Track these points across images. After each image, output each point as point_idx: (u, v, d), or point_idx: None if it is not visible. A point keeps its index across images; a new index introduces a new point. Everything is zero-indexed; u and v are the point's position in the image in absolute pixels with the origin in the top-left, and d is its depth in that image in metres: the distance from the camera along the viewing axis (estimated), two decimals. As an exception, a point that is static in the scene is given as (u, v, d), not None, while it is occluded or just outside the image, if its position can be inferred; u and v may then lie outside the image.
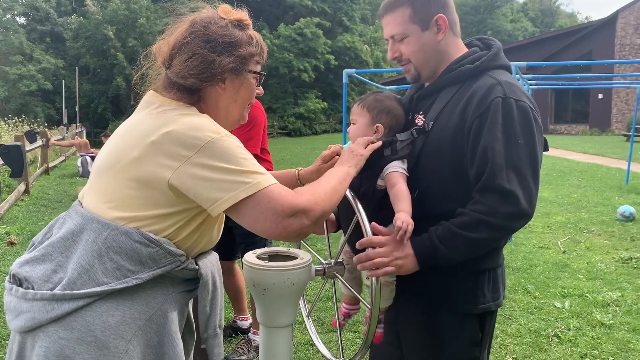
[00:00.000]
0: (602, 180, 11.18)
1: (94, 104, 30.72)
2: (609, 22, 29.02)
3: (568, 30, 32.58)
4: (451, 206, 1.51)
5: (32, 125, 20.46)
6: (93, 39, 29.85)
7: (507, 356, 3.37)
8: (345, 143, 1.75)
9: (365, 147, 1.56)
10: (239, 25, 1.41)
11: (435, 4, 1.55)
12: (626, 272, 5.07)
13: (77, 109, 25.52)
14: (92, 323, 1.24)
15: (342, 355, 1.69)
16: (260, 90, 1.59)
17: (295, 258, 1.54)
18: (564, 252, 5.82)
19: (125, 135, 1.35)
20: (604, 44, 28.76)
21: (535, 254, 5.74)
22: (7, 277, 1.35)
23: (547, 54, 29.28)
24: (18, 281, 1.31)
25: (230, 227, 3.04)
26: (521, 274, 5.00)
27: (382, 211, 1.57)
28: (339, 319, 1.78)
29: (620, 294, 4.46)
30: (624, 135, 24.30)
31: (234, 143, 1.28)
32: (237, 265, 3.53)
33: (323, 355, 1.80)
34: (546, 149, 1.57)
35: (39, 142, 12.09)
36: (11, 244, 6.18)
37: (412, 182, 1.55)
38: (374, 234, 1.48)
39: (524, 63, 5.99)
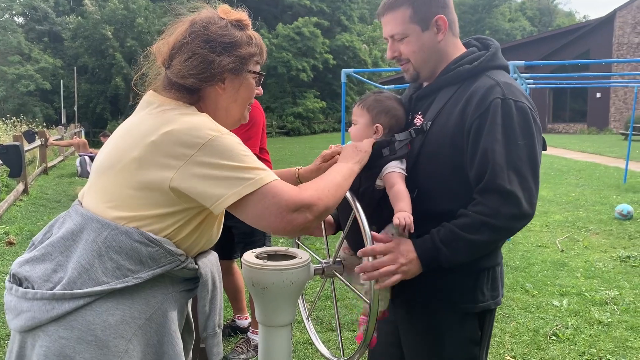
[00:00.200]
0: (600, 179, 11.20)
1: (92, 104, 30.68)
2: (607, 21, 29.04)
3: (566, 30, 32.58)
4: (450, 205, 1.51)
5: (30, 125, 20.42)
6: (91, 38, 29.81)
7: (506, 355, 3.38)
8: (343, 143, 1.76)
9: (366, 144, 1.57)
10: (239, 25, 1.42)
11: (435, 4, 1.56)
12: (624, 271, 5.08)
13: (75, 108, 25.48)
14: (92, 322, 1.25)
15: (343, 354, 1.70)
16: (259, 90, 1.59)
17: (294, 257, 1.55)
18: (562, 250, 5.84)
19: (125, 135, 1.35)
20: (602, 43, 28.77)
21: (533, 252, 5.75)
22: (7, 277, 1.36)
23: (545, 53, 29.30)
24: (18, 281, 1.32)
25: (229, 226, 3.04)
26: (519, 273, 5.01)
27: (381, 211, 1.57)
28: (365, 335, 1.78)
29: (618, 293, 4.47)
30: (622, 134, 24.34)
31: (234, 140, 1.29)
32: (236, 265, 3.53)
33: (322, 355, 1.80)
34: (544, 148, 1.57)
35: (38, 142, 12.07)
36: (10, 243, 6.18)
37: (411, 182, 1.56)
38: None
39: (522, 62, 6.00)
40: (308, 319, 1.88)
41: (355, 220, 1.51)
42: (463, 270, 1.56)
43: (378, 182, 1.58)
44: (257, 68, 1.47)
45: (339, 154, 1.64)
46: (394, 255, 1.47)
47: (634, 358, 3.34)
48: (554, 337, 3.63)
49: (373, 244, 1.47)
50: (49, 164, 13.47)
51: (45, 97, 30.62)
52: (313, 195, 1.30)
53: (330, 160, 1.70)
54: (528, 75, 9.06)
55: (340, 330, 1.76)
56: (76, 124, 22.97)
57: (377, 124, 1.63)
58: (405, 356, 1.72)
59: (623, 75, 10.52)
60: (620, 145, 19.28)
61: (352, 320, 3.85)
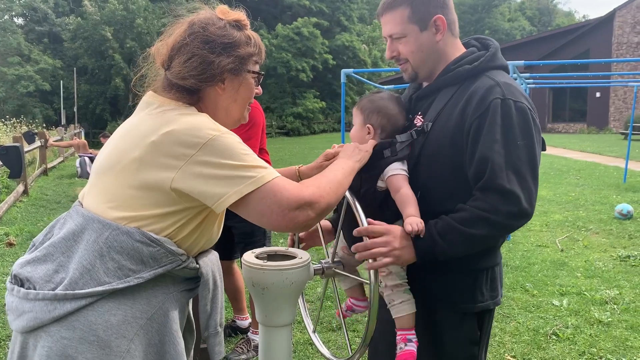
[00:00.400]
0: (600, 179, 11.20)
1: (92, 105, 30.69)
2: (606, 21, 29.05)
3: (565, 29, 32.59)
4: (451, 205, 1.52)
5: (30, 126, 20.41)
6: (91, 39, 29.83)
7: (506, 354, 3.38)
8: (343, 143, 1.77)
9: (367, 144, 1.59)
10: (237, 25, 1.42)
11: (434, 4, 1.56)
12: (624, 270, 5.09)
13: (75, 109, 25.49)
14: (94, 322, 1.25)
15: (349, 348, 1.70)
16: (259, 89, 1.60)
17: (293, 257, 1.55)
18: (562, 250, 5.84)
19: (125, 136, 1.36)
20: (602, 43, 28.78)
21: (533, 252, 5.75)
22: (9, 278, 1.36)
23: (544, 52, 29.31)
24: (20, 281, 1.32)
25: (229, 227, 3.04)
26: (519, 273, 5.02)
27: (382, 213, 1.57)
28: (341, 310, 1.78)
29: (618, 292, 4.48)
30: (622, 133, 24.34)
31: (234, 139, 1.30)
32: (236, 265, 3.53)
33: (323, 355, 1.80)
34: (543, 148, 1.58)
35: (38, 143, 12.08)
36: (10, 244, 6.18)
37: (413, 182, 1.56)
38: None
39: (522, 62, 6.01)
40: (314, 332, 1.88)
41: (353, 218, 1.51)
42: (462, 270, 1.57)
43: (380, 183, 1.58)
44: (257, 68, 1.47)
45: None
46: (388, 238, 1.47)
47: (634, 357, 3.35)
48: (554, 337, 3.63)
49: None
50: (49, 165, 13.48)
51: (45, 98, 30.63)
52: (315, 192, 1.31)
53: (332, 159, 1.70)
54: (528, 75, 9.06)
55: (346, 330, 1.76)
56: (76, 124, 22.98)
57: (368, 124, 1.64)
58: (405, 356, 1.73)
59: (622, 74, 10.53)
60: (620, 145, 19.28)
61: (352, 320, 3.85)
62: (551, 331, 3.70)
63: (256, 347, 3.39)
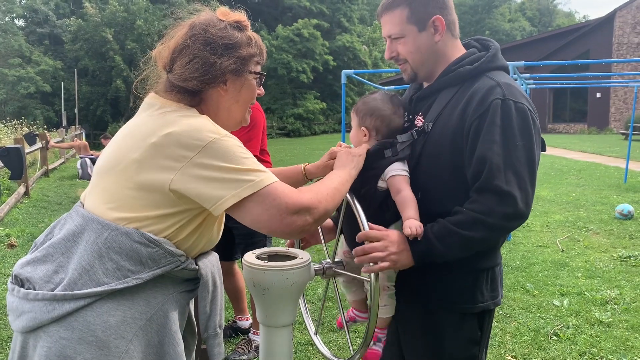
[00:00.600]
0: (601, 179, 11.20)
1: (93, 106, 30.71)
2: (607, 21, 29.05)
3: (566, 30, 32.60)
4: (451, 206, 1.52)
5: (31, 128, 20.43)
6: (92, 41, 29.86)
7: (507, 354, 3.38)
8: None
9: (360, 148, 1.59)
10: (238, 26, 1.42)
11: (433, 4, 1.56)
12: (624, 270, 5.09)
13: (76, 111, 25.51)
14: (92, 323, 1.25)
15: (351, 349, 1.70)
16: (261, 90, 1.60)
17: (294, 258, 1.56)
18: (562, 250, 5.84)
19: (126, 137, 1.36)
20: (602, 43, 28.78)
21: (534, 252, 5.75)
22: (10, 278, 1.36)
23: (545, 53, 29.30)
24: (20, 282, 1.32)
25: (230, 227, 3.05)
26: (520, 273, 5.02)
27: (383, 213, 1.58)
28: (344, 319, 1.79)
29: (618, 292, 4.47)
30: (622, 133, 24.33)
31: (234, 143, 1.30)
32: (236, 266, 3.54)
33: (324, 355, 1.81)
34: (544, 149, 1.58)
35: (39, 145, 12.09)
36: (11, 246, 6.19)
37: (413, 182, 1.57)
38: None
39: (522, 63, 6.00)
40: (316, 334, 1.89)
41: (354, 220, 1.52)
42: (462, 270, 1.57)
43: (380, 183, 1.58)
44: (258, 68, 1.47)
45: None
46: (385, 243, 1.48)
47: (635, 357, 3.35)
48: (554, 337, 3.63)
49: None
50: (50, 167, 13.49)
51: (45, 99, 30.66)
52: (313, 198, 1.31)
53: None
54: (528, 75, 9.07)
55: (349, 335, 1.77)
56: (77, 126, 22.98)
57: (362, 127, 1.64)
58: (405, 356, 1.73)
59: (623, 75, 10.53)
60: (620, 145, 19.27)
61: (353, 321, 3.85)
62: (552, 331, 3.70)
63: (257, 347, 3.39)
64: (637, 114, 20.66)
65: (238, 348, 3.41)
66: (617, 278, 4.86)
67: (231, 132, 1.37)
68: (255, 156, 1.37)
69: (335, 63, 35.50)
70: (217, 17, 1.42)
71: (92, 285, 1.26)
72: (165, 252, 1.31)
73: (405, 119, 1.68)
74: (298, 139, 31.42)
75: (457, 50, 1.64)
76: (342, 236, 1.72)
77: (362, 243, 1.50)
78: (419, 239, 1.48)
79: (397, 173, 1.55)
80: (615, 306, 4.18)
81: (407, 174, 1.56)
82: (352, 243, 1.67)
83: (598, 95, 29.34)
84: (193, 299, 1.50)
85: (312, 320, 1.96)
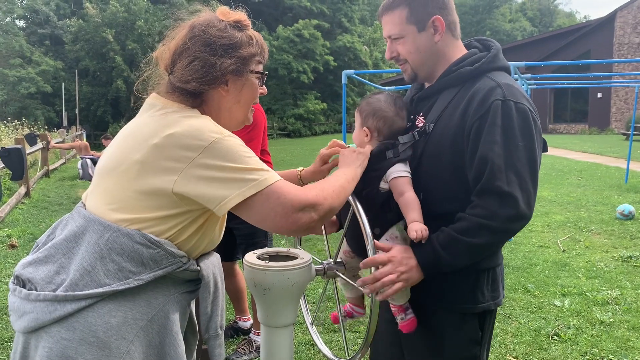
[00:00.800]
0: (602, 179, 11.19)
1: (93, 107, 30.75)
2: (607, 22, 29.03)
3: (566, 30, 32.58)
4: (452, 207, 1.52)
5: (32, 128, 20.46)
6: (92, 41, 29.91)
7: (508, 355, 3.38)
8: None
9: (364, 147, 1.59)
10: (238, 26, 1.42)
11: (432, 5, 1.56)
12: (625, 271, 5.08)
13: (77, 111, 25.52)
14: (94, 324, 1.25)
15: (347, 354, 1.70)
16: (263, 89, 1.59)
17: (295, 258, 1.56)
18: (563, 251, 5.84)
19: (127, 138, 1.36)
20: (603, 43, 28.77)
21: (535, 253, 5.75)
22: (12, 279, 1.36)
23: (545, 53, 29.29)
24: (22, 282, 1.32)
25: (231, 228, 3.05)
26: (521, 273, 5.02)
27: (385, 214, 1.58)
28: (340, 314, 1.78)
29: (619, 293, 4.47)
30: (623, 134, 24.31)
31: (236, 142, 1.30)
32: (237, 266, 3.54)
33: (324, 355, 1.81)
34: (545, 149, 1.57)
35: (39, 145, 12.09)
36: (12, 246, 6.20)
37: (414, 183, 1.56)
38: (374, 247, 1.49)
39: (523, 63, 6.00)
40: (312, 324, 1.89)
41: (355, 220, 1.52)
42: (463, 271, 1.57)
43: (382, 184, 1.58)
44: (260, 68, 1.47)
45: (338, 151, 1.66)
46: (394, 265, 1.47)
47: (636, 358, 3.34)
48: (555, 337, 3.63)
49: (375, 252, 1.47)
50: (51, 167, 13.50)
51: (46, 100, 30.70)
52: (318, 194, 1.31)
53: (329, 159, 1.71)
54: (529, 75, 9.06)
55: (344, 331, 1.76)
56: (77, 126, 23.00)
57: (365, 127, 1.64)
58: (406, 356, 1.73)
59: (624, 75, 10.53)
60: (621, 146, 19.27)
61: (354, 321, 3.85)
62: (553, 332, 3.70)
63: (258, 348, 3.39)
64: (638, 114, 20.65)
65: (239, 348, 3.42)
66: (618, 278, 4.86)
67: (232, 132, 1.37)
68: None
69: (335, 63, 35.52)
70: (217, 17, 1.41)
71: (93, 286, 1.26)
72: (167, 253, 1.31)
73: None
74: (299, 140, 31.44)
75: (458, 50, 1.64)
76: (344, 238, 1.72)
77: (363, 243, 1.49)
78: (423, 242, 1.48)
79: (399, 175, 1.55)
80: (617, 306, 4.18)
81: (410, 175, 1.56)
82: (353, 243, 1.67)
83: (599, 95, 29.32)
84: (194, 300, 1.50)
85: (310, 316, 1.95)
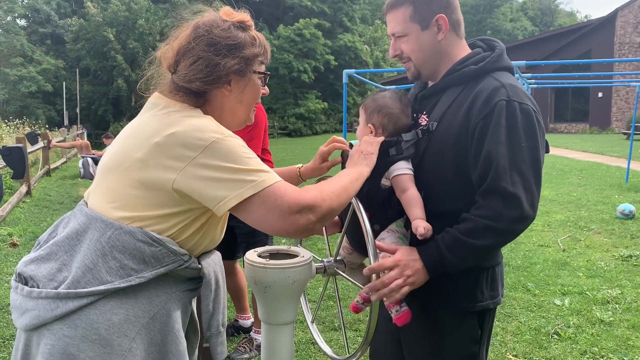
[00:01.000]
0: (602, 179, 11.19)
1: (94, 106, 30.77)
2: (608, 21, 28.99)
3: (567, 29, 32.54)
4: (454, 206, 1.53)
5: (33, 127, 20.47)
6: (93, 40, 29.92)
7: (508, 353, 3.39)
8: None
9: (372, 146, 1.58)
10: (242, 26, 1.42)
11: (436, 3, 1.56)
12: (626, 270, 5.09)
13: (78, 110, 25.54)
14: (96, 321, 1.26)
15: (348, 352, 1.71)
16: (265, 90, 1.60)
17: (296, 256, 1.56)
18: (563, 250, 5.84)
19: (130, 136, 1.37)
20: (604, 43, 28.73)
21: (535, 252, 5.76)
22: (13, 276, 1.37)
23: (546, 53, 29.25)
24: (24, 280, 1.33)
25: (232, 226, 3.06)
26: (521, 272, 5.02)
27: (385, 210, 1.58)
28: (357, 303, 1.77)
29: (620, 292, 4.48)
30: (624, 133, 24.27)
31: (237, 143, 1.30)
32: (238, 265, 3.55)
33: (325, 353, 1.81)
34: (547, 150, 1.57)
35: (41, 144, 12.09)
36: (13, 245, 6.21)
37: (417, 181, 1.57)
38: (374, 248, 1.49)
39: (524, 62, 6.00)
40: (312, 322, 1.89)
41: (356, 218, 1.52)
42: (463, 270, 1.58)
43: (383, 181, 1.58)
44: (262, 68, 1.47)
45: (337, 150, 1.66)
46: (401, 269, 1.47)
47: (636, 357, 3.35)
48: (555, 336, 3.64)
49: (377, 254, 1.47)
50: (52, 166, 13.51)
51: (47, 99, 30.72)
52: (316, 196, 1.30)
53: (329, 157, 1.71)
54: (530, 75, 9.06)
55: (344, 329, 1.77)
56: (78, 125, 23.01)
57: (370, 124, 1.64)
58: (405, 355, 1.73)
59: (625, 74, 10.52)
60: (622, 145, 19.25)
61: (354, 320, 3.86)
62: (553, 330, 3.71)
63: (259, 346, 3.40)
64: (638, 114, 20.62)
65: (239, 347, 3.42)
66: (618, 277, 4.86)
67: (233, 132, 1.38)
68: (257, 156, 1.38)
69: (336, 63, 35.50)
70: (221, 18, 1.41)
71: (95, 284, 1.27)
72: (169, 251, 1.32)
73: None
74: (299, 139, 31.42)
75: (462, 49, 1.64)
76: (344, 235, 1.73)
77: (364, 241, 1.50)
78: (427, 237, 1.49)
79: (402, 172, 1.55)
80: (617, 305, 4.18)
81: (412, 173, 1.57)
82: (353, 240, 1.68)
83: (600, 95, 29.29)
84: (196, 298, 1.50)
85: (311, 313, 1.96)
